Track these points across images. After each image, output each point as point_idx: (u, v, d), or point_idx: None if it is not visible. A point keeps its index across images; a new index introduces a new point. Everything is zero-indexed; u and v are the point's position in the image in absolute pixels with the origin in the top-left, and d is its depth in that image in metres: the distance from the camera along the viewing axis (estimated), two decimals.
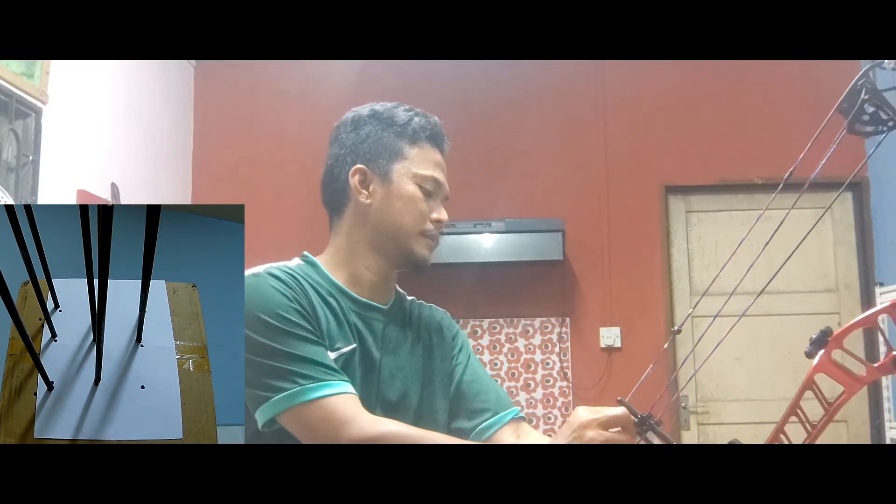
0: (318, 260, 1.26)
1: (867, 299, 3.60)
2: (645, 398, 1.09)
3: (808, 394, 0.88)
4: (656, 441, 1.02)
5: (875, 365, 0.85)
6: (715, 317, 1.11)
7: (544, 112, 3.80)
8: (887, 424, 3.36)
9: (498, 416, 1.26)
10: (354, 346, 1.18)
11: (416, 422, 1.21)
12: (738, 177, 3.68)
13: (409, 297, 1.35)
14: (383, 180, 1.23)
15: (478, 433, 1.24)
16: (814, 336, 0.86)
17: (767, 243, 1.05)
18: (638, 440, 1.02)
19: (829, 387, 0.89)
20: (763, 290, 1.10)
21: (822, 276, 3.65)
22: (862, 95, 0.93)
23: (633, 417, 1.02)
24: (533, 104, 3.81)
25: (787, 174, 0.98)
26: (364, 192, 1.23)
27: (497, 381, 1.36)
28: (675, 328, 1.11)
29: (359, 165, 1.24)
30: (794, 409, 0.87)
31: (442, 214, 1.26)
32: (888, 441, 3.34)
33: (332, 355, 1.14)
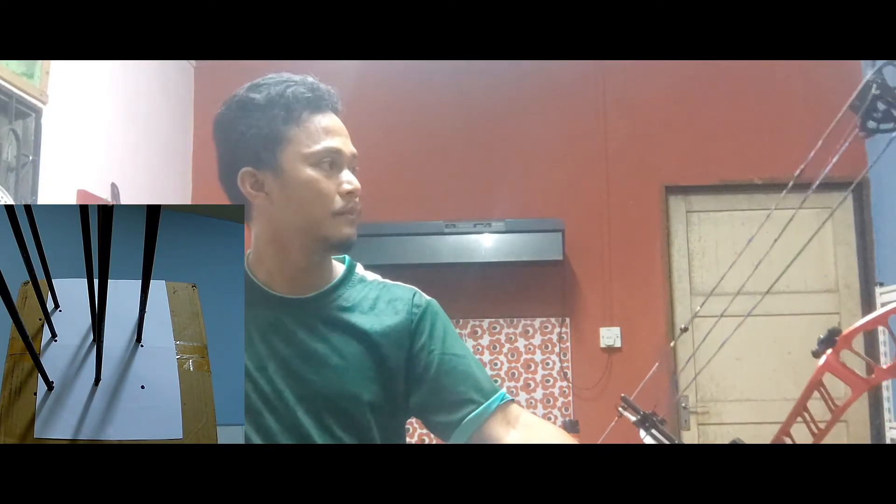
0: (246, 258, 1.21)
1: (867, 299, 3.60)
2: (647, 399, 1.09)
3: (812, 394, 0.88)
4: (661, 439, 1.01)
5: (884, 366, 0.84)
6: (719, 317, 1.11)
7: (544, 112, 3.81)
8: (887, 424, 3.36)
9: (483, 405, 1.16)
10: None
11: (356, 417, 1.14)
12: (738, 177, 3.68)
13: (371, 279, 1.25)
14: (275, 174, 1.13)
15: (465, 426, 1.15)
16: (822, 336, 0.86)
17: (773, 244, 1.05)
18: (644, 438, 1.01)
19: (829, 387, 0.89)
20: (769, 290, 1.10)
21: (822, 277, 3.65)
22: (873, 91, 0.93)
23: (637, 414, 1.01)
24: (533, 104, 3.81)
25: (797, 171, 0.97)
26: (260, 193, 1.14)
27: (480, 363, 1.23)
28: (683, 326, 1.10)
29: (245, 169, 1.14)
30: (801, 409, 0.86)
31: (351, 183, 1.15)
32: (888, 441, 3.34)
33: None
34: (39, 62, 2.57)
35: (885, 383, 3.39)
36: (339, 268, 1.24)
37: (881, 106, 0.95)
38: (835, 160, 1.02)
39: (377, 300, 1.21)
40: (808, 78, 3.64)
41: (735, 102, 3.74)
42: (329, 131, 1.15)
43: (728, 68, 3.67)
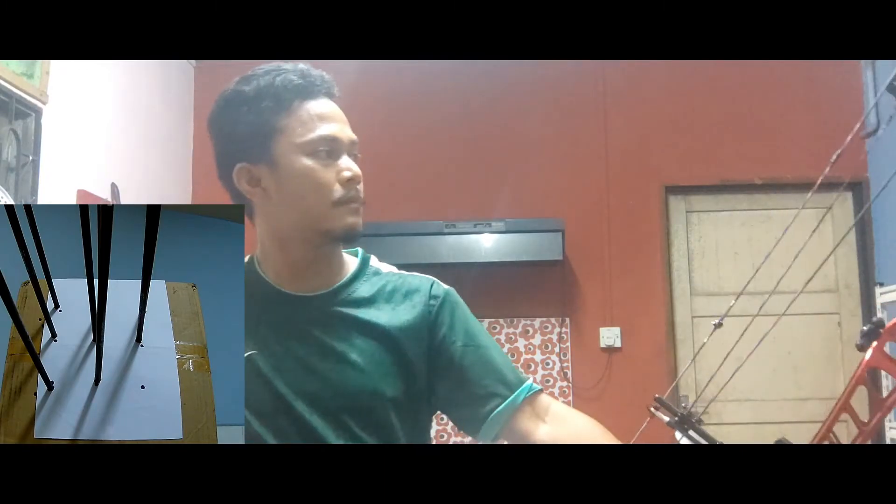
0: (255, 257, 1.18)
1: (867, 299, 3.60)
2: (647, 399, 1.08)
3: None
4: (699, 440, 0.99)
5: None
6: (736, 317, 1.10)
7: (544, 112, 3.81)
8: (887, 424, 3.36)
9: (509, 399, 1.12)
10: (252, 353, 1.10)
11: (378, 414, 1.10)
12: (738, 177, 3.68)
13: (387, 271, 1.21)
14: (270, 168, 1.09)
15: (492, 421, 1.12)
16: (865, 328, 0.81)
17: (774, 247, 1.04)
18: (680, 440, 0.99)
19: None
20: (773, 290, 1.09)
21: (822, 277, 3.65)
22: None
23: (673, 416, 0.99)
24: (533, 104, 3.81)
25: (834, 158, 0.93)
26: (257, 189, 1.11)
27: (503, 352, 1.20)
28: (717, 322, 1.06)
29: (240, 165, 1.10)
30: (845, 406, 0.83)
31: (351, 170, 1.10)
32: (888, 441, 3.34)
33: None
34: (39, 62, 2.57)
35: (885, 383, 3.39)
36: (352, 262, 1.20)
37: None
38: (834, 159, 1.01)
39: (393, 293, 1.17)
40: (808, 78, 3.64)
41: (735, 102, 3.74)
42: (324, 118, 1.10)
43: (728, 68, 3.67)
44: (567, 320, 3.67)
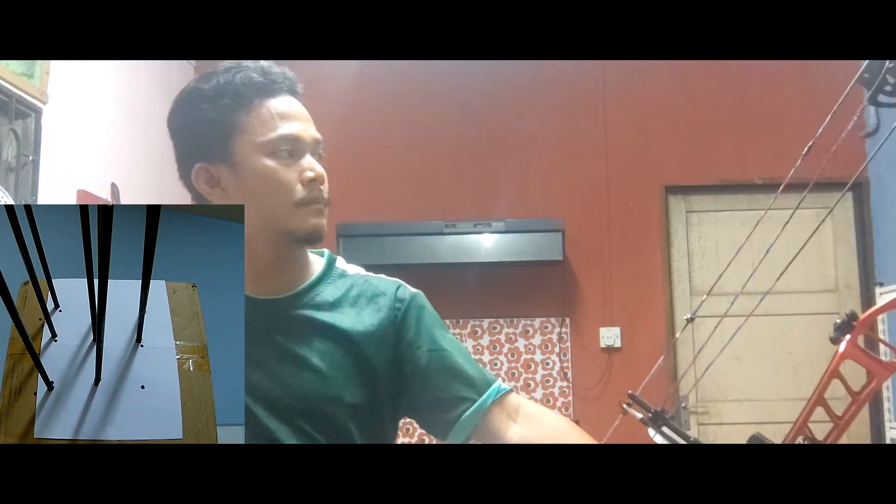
0: None
1: (867, 299, 3.60)
2: (649, 399, 1.08)
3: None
4: (674, 437, 0.99)
5: None
6: (722, 317, 1.10)
7: (544, 112, 3.81)
8: (887, 424, 3.36)
9: (478, 402, 1.10)
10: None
11: (337, 420, 1.08)
12: (738, 177, 3.68)
13: (354, 272, 1.18)
14: (230, 168, 1.06)
15: (461, 425, 1.09)
16: (838, 321, 0.81)
17: (771, 246, 1.04)
18: (654, 437, 0.99)
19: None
20: (768, 290, 1.09)
21: (822, 277, 3.65)
22: (887, 64, 0.89)
23: (647, 413, 1.00)
24: (533, 104, 3.81)
25: (798, 161, 0.95)
26: (216, 189, 1.08)
27: (468, 354, 1.17)
28: (688, 316, 1.07)
29: (198, 165, 1.08)
30: (819, 400, 0.83)
31: (314, 170, 1.07)
32: (888, 441, 3.34)
33: None
34: (39, 62, 2.57)
35: (885, 382, 3.39)
36: (318, 263, 1.17)
37: (891, 79, 0.92)
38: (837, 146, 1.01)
39: (359, 297, 1.14)
40: (807, 78, 3.64)
41: (735, 103, 3.74)
42: (285, 116, 1.07)
43: (728, 68, 3.67)
44: (567, 320, 3.68)
